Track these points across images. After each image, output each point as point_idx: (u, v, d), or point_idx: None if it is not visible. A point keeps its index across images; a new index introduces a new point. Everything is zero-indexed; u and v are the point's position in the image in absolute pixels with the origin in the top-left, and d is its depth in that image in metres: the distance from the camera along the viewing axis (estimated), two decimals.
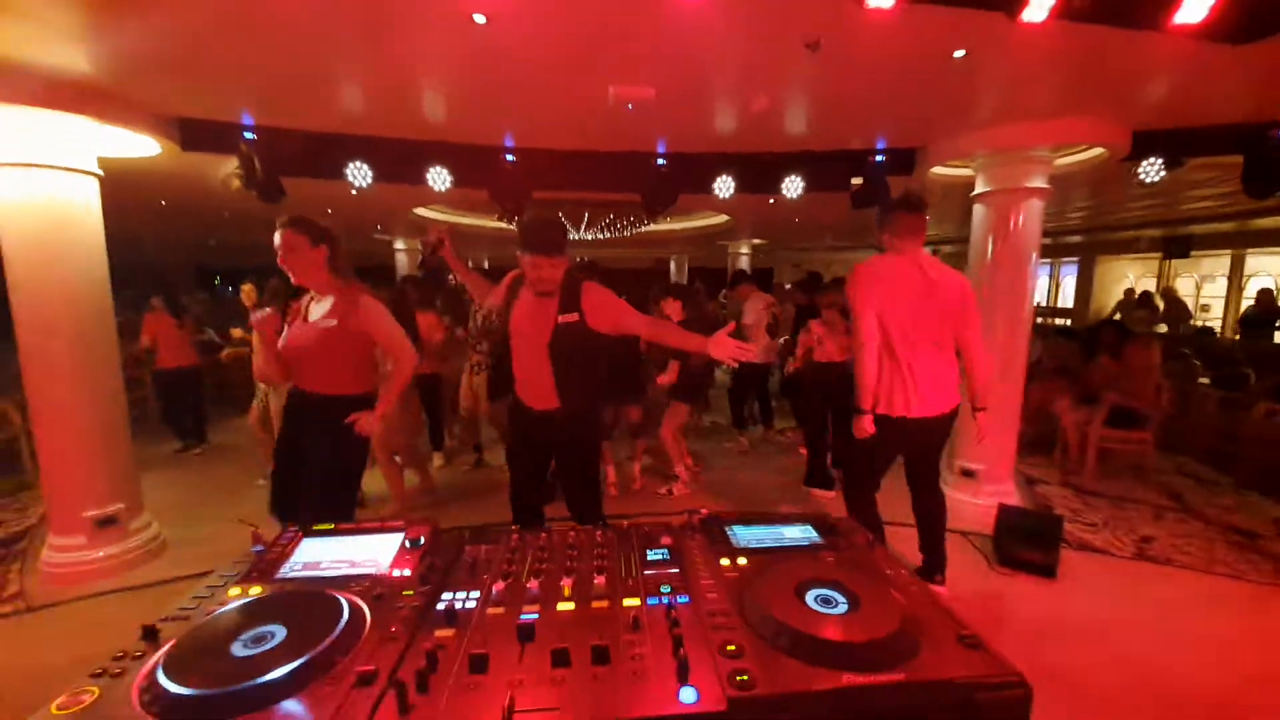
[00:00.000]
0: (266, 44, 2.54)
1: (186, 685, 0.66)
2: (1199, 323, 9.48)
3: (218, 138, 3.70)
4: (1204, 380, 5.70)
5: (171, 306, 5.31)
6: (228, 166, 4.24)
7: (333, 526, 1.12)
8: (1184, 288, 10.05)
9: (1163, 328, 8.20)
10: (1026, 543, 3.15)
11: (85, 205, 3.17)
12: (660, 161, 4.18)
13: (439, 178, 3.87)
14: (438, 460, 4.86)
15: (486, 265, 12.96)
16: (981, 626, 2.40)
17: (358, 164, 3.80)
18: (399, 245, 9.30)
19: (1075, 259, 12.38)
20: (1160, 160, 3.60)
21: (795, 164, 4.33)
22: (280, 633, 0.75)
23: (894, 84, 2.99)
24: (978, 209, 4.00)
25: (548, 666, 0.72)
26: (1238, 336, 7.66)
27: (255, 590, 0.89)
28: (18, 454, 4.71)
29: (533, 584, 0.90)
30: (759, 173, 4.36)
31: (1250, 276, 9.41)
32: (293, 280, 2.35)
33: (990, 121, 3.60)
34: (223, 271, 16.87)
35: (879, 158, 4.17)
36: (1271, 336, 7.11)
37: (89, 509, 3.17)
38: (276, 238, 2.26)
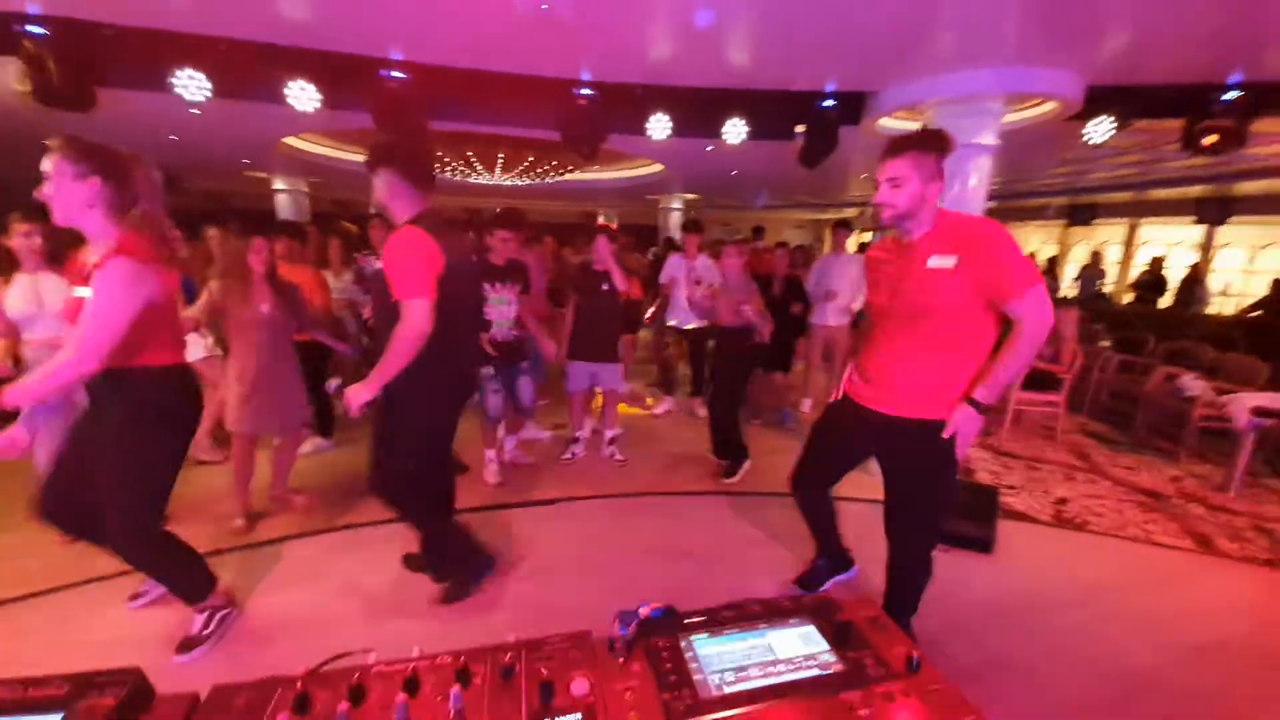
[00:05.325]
0: None
1: None
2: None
3: None
4: (1105, 343, 5.98)
5: None
6: (10, 72, 3.23)
7: None
8: (1080, 255, 10.70)
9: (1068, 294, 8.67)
10: (964, 517, 3.05)
11: None
12: (584, 92, 3.58)
13: (303, 95, 3.08)
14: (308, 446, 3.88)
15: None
16: (924, 613, 2.27)
17: (190, 72, 2.94)
18: (278, 185, 7.98)
19: None
20: (1110, 119, 3.46)
21: (737, 104, 3.87)
22: None
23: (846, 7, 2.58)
24: None
25: None
26: (1129, 300, 8.23)
27: None
28: None
29: None
30: (697, 112, 3.88)
31: (1142, 245, 10.15)
32: (54, 221, 1.70)
33: (945, 66, 3.30)
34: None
35: (827, 102, 3.79)
36: (1157, 301, 7.65)
37: None
38: (46, 162, 1.67)
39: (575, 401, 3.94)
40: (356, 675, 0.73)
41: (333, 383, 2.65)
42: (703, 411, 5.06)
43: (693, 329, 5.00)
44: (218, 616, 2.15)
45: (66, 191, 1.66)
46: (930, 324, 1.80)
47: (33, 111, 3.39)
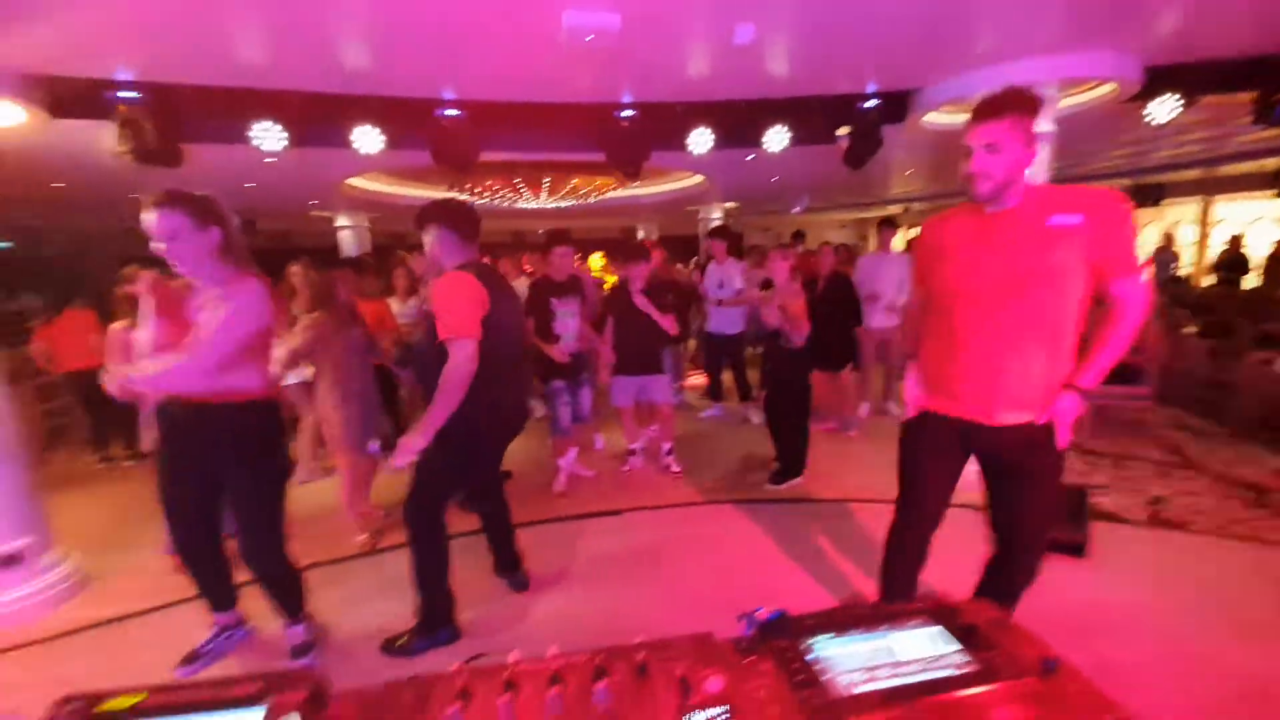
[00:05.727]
0: None
1: None
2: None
3: (93, 99, 3.04)
4: (1189, 329, 5.61)
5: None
6: (113, 135, 3.55)
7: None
8: (1150, 237, 10.08)
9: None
10: None
11: None
12: (626, 114, 3.67)
13: (367, 138, 3.28)
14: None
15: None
16: (1021, 622, 2.15)
17: (266, 124, 3.18)
18: (341, 222, 8.46)
19: None
20: (1175, 96, 3.28)
21: (777, 113, 3.88)
22: None
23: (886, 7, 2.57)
24: None
25: None
26: (1209, 282, 7.70)
27: None
28: None
29: None
30: (738, 124, 3.91)
31: (1218, 223, 9.50)
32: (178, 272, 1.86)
33: (992, 57, 3.22)
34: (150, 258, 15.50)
35: (869, 103, 3.76)
36: (1241, 282, 7.14)
37: None
38: (149, 218, 1.77)
39: (625, 416, 3.97)
40: (508, 670, 0.77)
41: (373, 444, 2.84)
42: (756, 418, 5.01)
43: (730, 336, 5.00)
44: (313, 624, 2.27)
45: (191, 243, 1.77)
46: (1026, 299, 1.58)
47: (124, 170, 3.73)
